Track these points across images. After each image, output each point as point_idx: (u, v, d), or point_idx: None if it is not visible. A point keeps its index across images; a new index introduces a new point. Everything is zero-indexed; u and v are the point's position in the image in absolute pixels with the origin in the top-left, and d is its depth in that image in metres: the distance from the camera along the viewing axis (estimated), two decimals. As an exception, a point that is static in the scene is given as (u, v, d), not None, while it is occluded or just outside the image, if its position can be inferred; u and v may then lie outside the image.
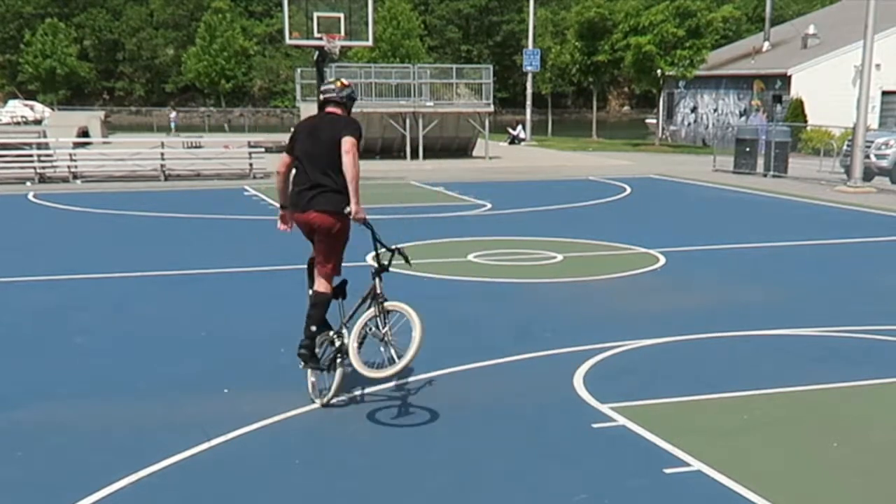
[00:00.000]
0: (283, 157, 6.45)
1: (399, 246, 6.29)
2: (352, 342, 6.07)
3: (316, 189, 6.17)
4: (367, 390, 6.71)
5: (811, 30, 37.67)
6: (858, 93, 21.30)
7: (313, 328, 6.32)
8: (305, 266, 6.63)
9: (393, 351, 5.95)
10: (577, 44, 41.21)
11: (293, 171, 6.39)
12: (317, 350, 6.36)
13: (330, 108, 6.41)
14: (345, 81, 6.57)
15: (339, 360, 6.33)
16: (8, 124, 36.66)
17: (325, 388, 6.43)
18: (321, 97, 6.50)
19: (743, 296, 10.02)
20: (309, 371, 6.49)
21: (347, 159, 6.06)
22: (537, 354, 7.65)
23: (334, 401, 6.43)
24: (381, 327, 6.04)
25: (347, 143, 6.08)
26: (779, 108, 34.09)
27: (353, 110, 6.60)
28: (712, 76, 39.16)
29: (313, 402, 6.41)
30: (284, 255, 12.29)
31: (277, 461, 5.48)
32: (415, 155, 28.46)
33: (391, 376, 6.15)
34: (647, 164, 27.79)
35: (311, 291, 6.46)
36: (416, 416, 6.26)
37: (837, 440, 5.84)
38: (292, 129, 6.82)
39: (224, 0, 69.16)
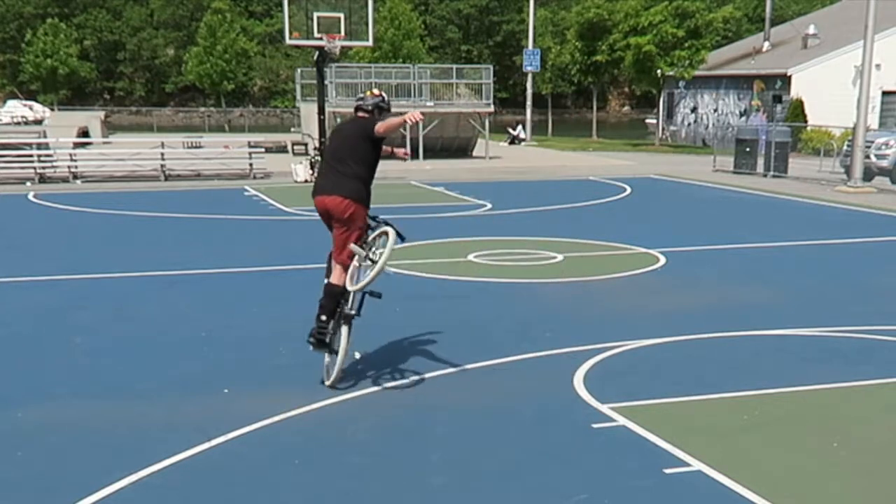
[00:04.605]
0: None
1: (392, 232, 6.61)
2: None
3: (335, 177, 6.72)
4: (367, 390, 6.72)
5: (811, 30, 37.63)
6: (858, 93, 21.28)
7: (323, 318, 6.69)
8: (325, 261, 7.02)
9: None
10: (577, 44, 41.12)
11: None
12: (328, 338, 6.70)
13: (360, 115, 7.03)
14: (375, 91, 7.11)
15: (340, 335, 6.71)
16: (8, 124, 36.59)
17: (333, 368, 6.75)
18: (355, 105, 7.08)
19: (743, 296, 10.02)
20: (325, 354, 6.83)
21: (382, 128, 6.65)
22: (537, 354, 7.64)
23: (334, 400, 6.45)
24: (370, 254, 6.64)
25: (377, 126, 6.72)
26: (779, 108, 34.07)
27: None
28: (712, 76, 39.13)
29: (323, 382, 6.72)
30: (284, 255, 12.32)
31: (277, 461, 5.48)
32: (415, 155, 28.44)
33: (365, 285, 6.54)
34: (647, 165, 27.78)
35: (326, 281, 6.85)
36: (416, 416, 6.27)
37: (837, 440, 5.84)
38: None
39: (224, 0, 69.06)
